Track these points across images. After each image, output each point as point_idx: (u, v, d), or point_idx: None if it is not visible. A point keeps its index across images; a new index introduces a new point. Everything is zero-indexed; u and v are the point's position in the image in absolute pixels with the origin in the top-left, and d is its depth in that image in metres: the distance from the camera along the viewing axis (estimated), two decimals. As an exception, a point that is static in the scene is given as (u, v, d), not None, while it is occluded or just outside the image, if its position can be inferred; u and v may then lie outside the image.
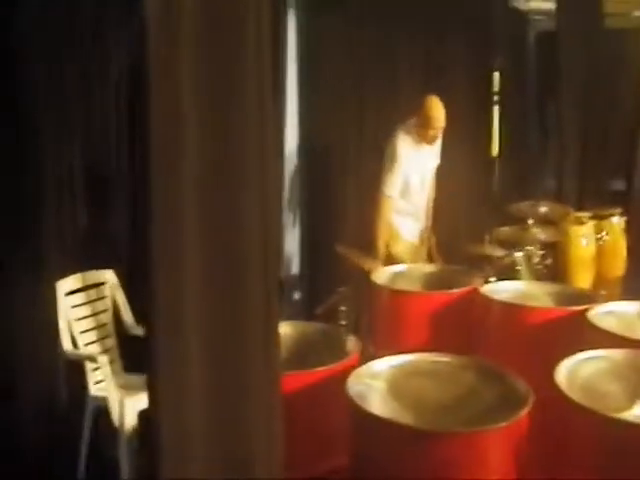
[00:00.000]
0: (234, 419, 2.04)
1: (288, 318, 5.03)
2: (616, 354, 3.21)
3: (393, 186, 4.86)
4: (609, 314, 3.79)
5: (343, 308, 4.31)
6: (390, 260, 4.77)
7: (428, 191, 5.19)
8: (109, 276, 4.08)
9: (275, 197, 2.19)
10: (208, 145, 1.90)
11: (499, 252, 4.99)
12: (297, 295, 5.40)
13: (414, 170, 4.95)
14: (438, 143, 5.13)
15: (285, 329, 3.50)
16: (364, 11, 5.74)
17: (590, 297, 4.09)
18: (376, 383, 2.96)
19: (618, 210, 5.90)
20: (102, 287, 4.05)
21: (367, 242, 4.78)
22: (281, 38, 5.25)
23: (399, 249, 4.97)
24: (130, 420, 3.60)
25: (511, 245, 5.05)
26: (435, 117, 4.89)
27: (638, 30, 8.29)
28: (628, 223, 5.94)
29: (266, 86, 2.07)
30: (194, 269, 1.89)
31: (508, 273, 4.73)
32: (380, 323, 4.17)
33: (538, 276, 4.88)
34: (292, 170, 5.55)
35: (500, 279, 4.46)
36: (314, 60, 5.59)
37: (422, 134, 4.92)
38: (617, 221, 5.82)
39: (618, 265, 5.78)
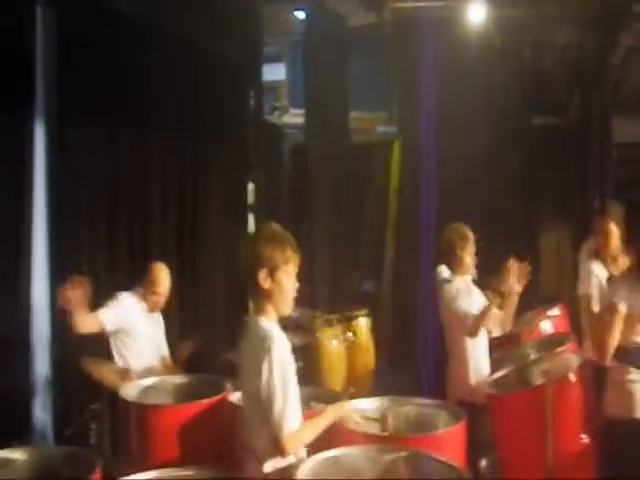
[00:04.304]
0: None
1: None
2: (354, 450, 3.32)
3: None
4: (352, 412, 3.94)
5: (93, 426, 4.17)
6: None
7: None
8: None
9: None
10: None
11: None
12: (45, 416, 5.14)
13: (144, 335, 4.93)
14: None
15: (24, 455, 3.32)
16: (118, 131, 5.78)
17: (336, 396, 4.23)
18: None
19: (365, 311, 6.21)
20: None
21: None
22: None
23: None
24: None
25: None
26: (159, 282, 4.91)
27: (381, 145, 8.92)
28: (374, 322, 6.27)
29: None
30: None
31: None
32: (130, 439, 4.06)
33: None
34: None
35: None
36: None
37: (147, 299, 4.94)
38: (364, 321, 6.12)
39: (367, 362, 6.03)
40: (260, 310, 3.06)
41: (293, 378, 3.03)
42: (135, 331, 4.84)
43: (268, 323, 3.05)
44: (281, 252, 2.99)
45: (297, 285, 3.10)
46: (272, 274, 2.99)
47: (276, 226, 3.13)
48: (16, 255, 4.94)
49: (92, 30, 5.33)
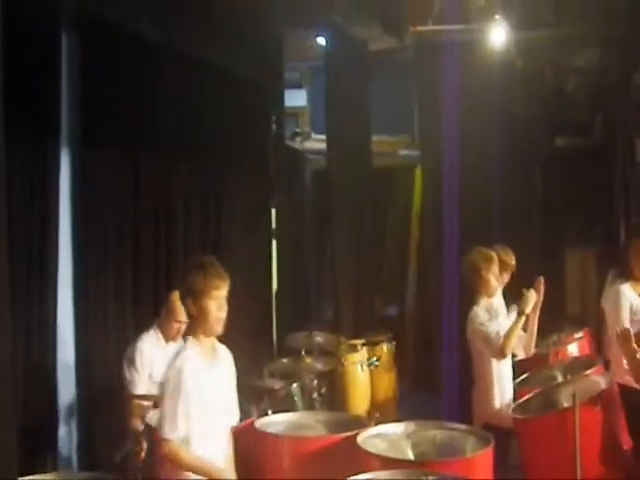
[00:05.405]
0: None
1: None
2: (381, 475, 3.33)
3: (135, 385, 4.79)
4: (378, 437, 3.93)
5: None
6: None
7: None
8: None
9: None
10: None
11: (277, 384, 5.05)
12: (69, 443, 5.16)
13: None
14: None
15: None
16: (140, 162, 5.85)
17: (361, 422, 4.24)
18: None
19: (388, 335, 6.18)
20: None
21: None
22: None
23: None
24: None
25: (288, 376, 5.13)
26: (179, 310, 4.76)
27: (404, 168, 8.93)
28: (398, 347, 6.24)
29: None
30: None
31: (285, 405, 4.78)
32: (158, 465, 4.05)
33: (314, 405, 4.97)
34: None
35: (277, 411, 4.47)
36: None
37: (166, 329, 4.91)
38: (388, 345, 6.09)
39: (391, 387, 6.01)
40: (189, 331, 3.48)
41: (192, 393, 3.24)
42: (155, 372, 4.85)
43: (190, 343, 3.38)
44: (202, 281, 3.32)
45: (225, 307, 3.40)
46: (195, 302, 3.34)
47: (205, 258, 3.49)
48: (41, 281, 4.97)
49: (115, 55, 5.40)
